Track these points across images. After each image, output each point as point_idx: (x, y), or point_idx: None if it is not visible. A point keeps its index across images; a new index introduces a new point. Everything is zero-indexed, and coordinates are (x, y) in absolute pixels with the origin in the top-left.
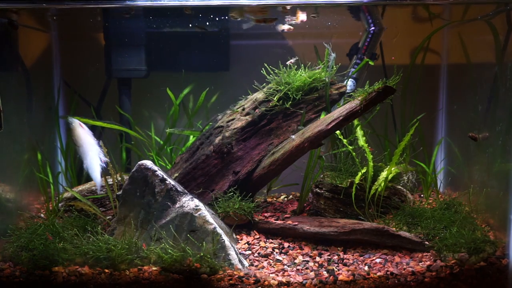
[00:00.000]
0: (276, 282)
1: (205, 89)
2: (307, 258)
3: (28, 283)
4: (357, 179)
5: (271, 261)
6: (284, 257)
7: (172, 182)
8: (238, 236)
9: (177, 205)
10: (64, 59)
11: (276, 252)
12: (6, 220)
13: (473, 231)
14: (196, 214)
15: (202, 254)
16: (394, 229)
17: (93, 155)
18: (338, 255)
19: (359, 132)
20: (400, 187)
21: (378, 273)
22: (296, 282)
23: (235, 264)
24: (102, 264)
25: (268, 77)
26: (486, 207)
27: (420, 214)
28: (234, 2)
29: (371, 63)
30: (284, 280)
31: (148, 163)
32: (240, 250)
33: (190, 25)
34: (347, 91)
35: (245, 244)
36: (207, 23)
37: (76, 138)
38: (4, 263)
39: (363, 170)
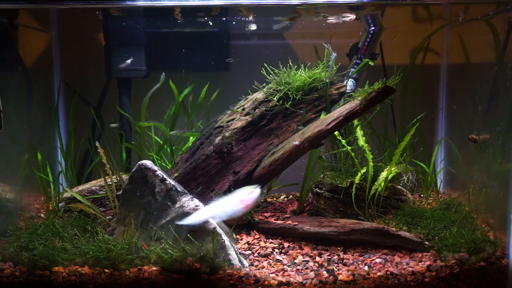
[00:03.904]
0: (276, 282)
1: (204, 88)
2: (307, 258)
3: (28, 283)
4: (357, 179)
5: (271, 261)
6: (284, 257)
7: (172, 182)
8: (238, 236)
9: (177, 205)
10: (64, 59)
11: (276, 252)
12: (6, 220)
13: (473, 231)
14: None
15: (202, 254)
16: (394, 229)
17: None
18: (338, 255)
19: (359, 132)
20: (400, 187)
21: (378, 273)
22: (296, 282)
23: (235, 264)
24: (102, 264)
25: (268, 77)
26: (486, 207)
27: (420, 214)
28: (234, 2)
29: (371, 63)
30: (284, 280)
31: (148, 163)
32: (240, 250)
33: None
34: (347, 91)
35: (245, 244)
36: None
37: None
38: (4, 263)
39: (363, 170)
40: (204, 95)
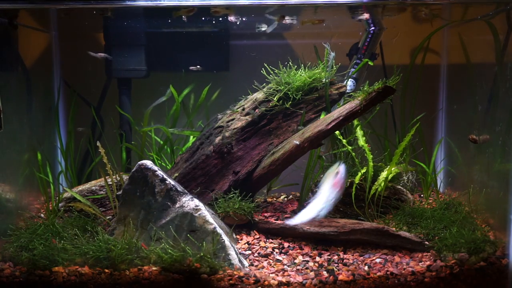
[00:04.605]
0: (276, 282)
1: (205, 89)
2: (307, 258)
3: (28, 283)
4: (357, 179)
5: (271, 261)
6: (284, 257)
7: (172, 182)
8: (238, 236)
9: (177, 205)
10: (64, 59)
11: (276, 252)
12: (6, 220)
13: (473, 231)
14: (196, 214)
15: (202, 254)
16: (394, 229)
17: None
18: (338, 255)
19: (359, 132)
20: (400, 187)
21: (378, 273)
22: (296, 282)
23: (235, 264)
24: (102, 264)
25: (268, 77)
26: (486, 207)
27: (420, 214)
28: (234, 2)
29: (370, 63)
30: (284, 280)
31: (148, 163)
32: (240, 250)
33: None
34: (347, 91)
35: (245, 244)
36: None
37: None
38: (4, 263)
39: (363, 170)
40: (205, 96)
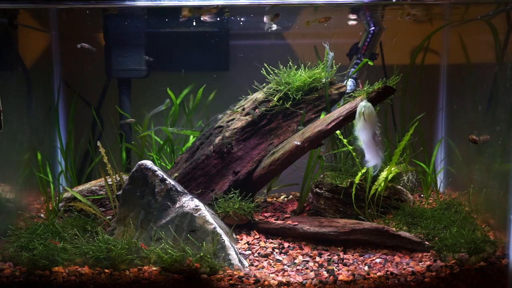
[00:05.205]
0: (276, 282)
1: (206, 89)
2: (307, 258)
3: (28, 283)
4: (357, 179)
5: (271, 261)
6: (284, 257)
7: (172, 182)
8: (238, 236)
9: (177, 205)
10: (64, 59)
11: (276, 252)
12: (6, 220)
13: (473, 231)
14: (196, 214)
15: (202, 254)
16: (394, 229)
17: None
18: (338, 255)
19: None
20: (400, 187)
21: (378, 273)
22: (296, 282)
23: (235, 264)
24: (102, 264)
25: (268, 77)
26: (486, 207)
27: (420, 214)
28: (234, 2)
29: (370, 63)
30: (284, 280)
31: (148, 163)
32: (240, 250)
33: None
34: (347, 91)
35: (245, 244)
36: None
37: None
38: (4, 263)
39: (363, 170)
40: (200, 96)
